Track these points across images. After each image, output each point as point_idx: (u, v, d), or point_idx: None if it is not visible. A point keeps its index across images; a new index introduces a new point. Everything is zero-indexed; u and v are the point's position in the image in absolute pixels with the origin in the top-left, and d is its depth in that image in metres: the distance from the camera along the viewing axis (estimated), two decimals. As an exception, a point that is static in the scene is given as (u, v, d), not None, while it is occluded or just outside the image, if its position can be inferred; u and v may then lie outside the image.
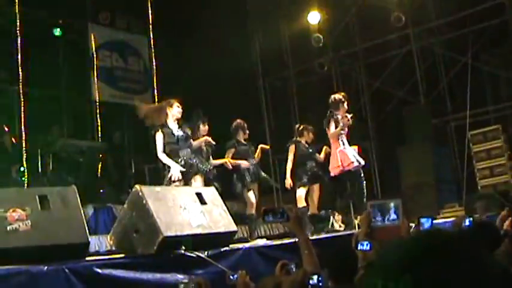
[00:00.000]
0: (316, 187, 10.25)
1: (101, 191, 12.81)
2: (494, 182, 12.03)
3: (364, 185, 9.74)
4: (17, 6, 12.83)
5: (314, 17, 14.69)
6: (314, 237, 8.08)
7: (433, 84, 14.01)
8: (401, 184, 13.19)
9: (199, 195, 6.72)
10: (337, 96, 9.99)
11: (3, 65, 13.33)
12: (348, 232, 8.66)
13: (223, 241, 6.55)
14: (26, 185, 11.25)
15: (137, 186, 6.20)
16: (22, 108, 12.57)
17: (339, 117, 9.69)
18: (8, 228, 5.22)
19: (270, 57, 15.87)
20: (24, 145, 12.02)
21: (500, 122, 12.63)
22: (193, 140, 8.82)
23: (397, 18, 13.34)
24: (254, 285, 3.89)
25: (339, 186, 10.70)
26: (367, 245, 3.79)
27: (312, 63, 15.10)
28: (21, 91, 12.62)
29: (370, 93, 14.60)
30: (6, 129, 12.50)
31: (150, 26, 15.66)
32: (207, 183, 8.45)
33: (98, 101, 14.63)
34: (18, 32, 12.81)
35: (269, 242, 7.83)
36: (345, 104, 9.82)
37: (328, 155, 10.10)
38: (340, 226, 11.19)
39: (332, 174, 9.89)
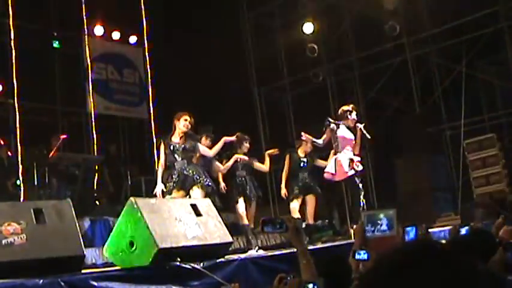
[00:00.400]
0: (311, 197, 10.31)
1: (97, 203, 12.80)
2: (490, 190, 12.03)
3: (360, 194, 9.73)
4: (11, 18, 12.83)
5: (309, 28, 14.73)
6: (309, 247, 8.07)
7: (428, 93, 14.03)
8: (397, 193, 13.20)
9: (194, 206, 6.72)
10: (344, 107, 10.05)
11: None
12: (344, 242, 8.66)
13: (219, 252, 6.54)
14: (22, 198, 11.23)
15: (132, 199, 6.21)
16: (17, 121, 12.56)
17: (334, 126, 9.70)
18: (3, 242, 5.21)
19: (266, 68, 15.90)
20: (19, 158, 12.00)
21: (495, 131, 12.65)
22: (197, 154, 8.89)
23: (392, 28, 13.38)
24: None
25: (334, 195, 10.74)
26: (364, 253, 3.78)
27: (307, 74, 15.13)
28: (16, 104, 12.61)
29: (365, 103, 14.62)
30: (1, 142, 12.48)
31: (145, 38, 15.68)
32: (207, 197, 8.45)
33: (93, 113, 14.63)
34: (12, 44, 12.81)
35: (265, 253, 7.82)
36: (353, 115, 9.84)
37: None
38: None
39: (325, 176, 9.94)
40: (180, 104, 10.35)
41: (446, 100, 13.88)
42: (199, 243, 6.32)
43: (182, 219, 6.37)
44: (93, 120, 14.60)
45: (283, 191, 10.45)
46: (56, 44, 14.42)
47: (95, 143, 14.45)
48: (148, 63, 15.83)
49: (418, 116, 13.87)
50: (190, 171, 8.49)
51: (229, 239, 6.89)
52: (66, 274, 5.18)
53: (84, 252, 5.86)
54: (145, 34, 15.61)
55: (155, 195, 8.50)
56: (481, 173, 12.25)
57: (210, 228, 6.63)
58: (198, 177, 8.47)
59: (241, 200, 9.78)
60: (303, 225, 10.11)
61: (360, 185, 9.63)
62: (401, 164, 13.40)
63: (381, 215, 3.99)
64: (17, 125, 12.48)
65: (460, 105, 12.87)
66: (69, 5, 14.46)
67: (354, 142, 9.75)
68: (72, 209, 5.89)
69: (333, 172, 9.66)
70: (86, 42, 14.92)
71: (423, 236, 4.79)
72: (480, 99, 13.82)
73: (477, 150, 12.36)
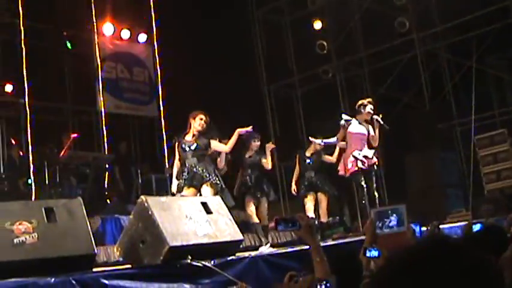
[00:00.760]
0: (322, 196, 10.41)
1: (108, 201, 12.84)
2: (501, 186, 11.99)
3: (366, 190, 9.79)
4: (21, 19, 12.89)
5: (318, 24, 14.72)
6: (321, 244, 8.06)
7: (438, 89, 13.97)
8: (407, 190, 13.15)
9: (204, 204, 6.73)
10: (360, 101, 10.15)
11: (10, 77, 13.40)
12: (355, 239, 8.65)
13: (229, 250, 6.55)
14: (33, 197, 11.28)
15: (142, 197, 6.23)
16: (28, 120, 12.61)
17: (344, 123, 9.79)
18: (15, 241, 5.24)
19: (275, 65, 15.90)
20: (31, 157, 12.06)
21: (506, 126, 12.59)
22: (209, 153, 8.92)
23: (401, 24, 13.35)
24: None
25: (344, 192, 10.80)
26: (375, 251, 3.77)
27: (316, 70, 15.11)
28: (27, 103, 12.67)
29: (375, 99, 14.54)
30: (13, 142, 12.55)
31: (155, 36, 15.70)
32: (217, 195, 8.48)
33: (103, 112, 14.66)
34: (23, 44, 12.87)
35: (276, 250, 7.82)
36: (367, 108, 9.89)
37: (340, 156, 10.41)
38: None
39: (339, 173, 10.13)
40: (190, 102, 10.38)
41: (456, 96, 13.82)
42: (209, 241, 6.32)
43: (192, 217, 6.38)
44: (103, 118, 14.64)
45: (293, 188, 10.93)
46: (68, 45, 14.46)
47: (105, 141, 14.49)
48: (158, 61, 15.86)
49: (428, 112, 13.82)
50: (200, 169, 8.52)
51: (239, 236, 6.89)
52: (77, 273, 5.21)
53: (95, 251, 5.88)
54: (154, 32, 15.64)
55: (173, 194, 8.65)
56: (492, 168, 12.21)
57: (221, 226, 6.63)
58: (207, 175, 8.49)
59: (248, 198, 9.87)
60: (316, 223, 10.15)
61: (363, 183, 9.70)
62: (411, 161, 13.36)
63: (391, 212, 3.99)
64: (28, 124, 12.54)
65: (470, 100, 12.81)
66: (78, 5, 14.50)
67: (367, 136, 9.81)
68: (83, 207, 5.92)
69: (342, 167, 9.80)
70: (96, 41, 14.96)
71: (435, 233, 4.78)
72: (490, 94, 13.75)
73: (488, 146, 12.32)
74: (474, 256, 1.36)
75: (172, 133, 11.07)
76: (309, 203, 10.46)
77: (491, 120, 13.18)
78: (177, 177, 8.80)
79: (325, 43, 14.63)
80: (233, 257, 6.39)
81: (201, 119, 8.68)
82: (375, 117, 9.85)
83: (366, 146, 9.84)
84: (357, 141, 9.85)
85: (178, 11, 15.01)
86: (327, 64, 15.00)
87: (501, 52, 13.62)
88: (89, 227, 5.91)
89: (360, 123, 9.86)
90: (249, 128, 9.14)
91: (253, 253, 7.05)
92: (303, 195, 10.64)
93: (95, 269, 5.76)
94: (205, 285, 5.81)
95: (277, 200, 11.07)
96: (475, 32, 13.02)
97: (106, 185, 13.50)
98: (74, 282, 4.97)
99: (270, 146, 10.11)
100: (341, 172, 9.98)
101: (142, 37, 16.06)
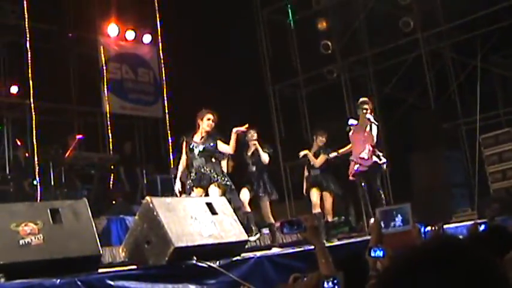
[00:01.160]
0: (326, 194, 10.38)
1: (113, 202, 12.87)
2: (507, 185, 11.97)
3: (364, 192, 9.87)
4: (26, 20, 12.92)
5: (323, 24, 14.72)
6: (326, 244, 8.06)
7: (443, 88, 13.94)
8: (412, 189, 13.13)
9: (209, 205, 6.73)
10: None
11: (15, 79, 13.45)
12: (360, 239, 8.65)
13: (234, 250, 6.55)
14: (38, 198, 11.31)
15: (148, 198, 6.25)
16: (34, 121, 12.65)
17: (348, 128, 9.88)
18: (21, 242, 5.25)
19: (280, 65, 15.90)
20: (36, 158, 12.09)
21: (511, 125, 12.56)
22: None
23: (406, 23, 13.34)
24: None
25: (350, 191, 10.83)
26: (379, 251, 3.77)
27: (321, 70, 15.10)
28: (32, 105, 12.70)
29: (380, 99, 14.57)
30: (19, 143, 12.59)
31: (159, 37, 15.73)
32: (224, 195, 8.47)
33: (108, 113, 14.70)
34: (28, 45, 12.90)
35: (281, 251, 7.82)
36: (361, 108, 9.94)
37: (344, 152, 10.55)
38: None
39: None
40: (194, 102, 10.36)
41: (461, 95, 13.78)
42: (215, 241, 6.32)
43: (198, 217, 6.38)
44: (108, 119, 14.67)
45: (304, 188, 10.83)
46: None
47: (111, 142, 14.52)
48: (162, 62, 15.89)
49: (433, 111, 13.79)
50: (208, 170, 8.50)
51: (244, 237, 6.90)
52: (83, 274, 5.22)
53: (101, 252, 5.89)
54: (159, 33, 15.67)
55: (179, 193, 8.66)
56: (497, 168, 12.19)
57: (226, 227, 6.64)
58: (215, 176, 8.48)
59: (244, 190, 9.84)
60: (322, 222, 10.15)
61: (363, 183, 9.78)
62: (417, 160, 13.32)
63: (396, 211, 3.99)
64: (34, 126, 12.58)
65: (475, 100, 12.79)
66: (83, 6, 14.53)
67: (366, 136, 9.85)
68: (89, 208, 5.93)
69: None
70: (101, 43, 15.00)
71: (439, 233, 4.78)
72: (496, 93, 13.71)
73: (493, 145, 12.30)
74: (478, 257, 1.36)
75: (177, 133, 11.09)
76: (315, 198, 10.39)
77: (497, 120, 13.16)
78: (180, 178, 8.78)
79: (329, 43, 14.63)
80: (238, 258, 6.40)
81: (209, 119, 8.64)
82: (367, 116, 9.86)
83: (368, 146, 9.85)
84: (357, 143, 9.98)
85: (183, 11, 15.03)
86: (331, 64, 14.98)
87: (506, 51, 13.58)
88: (95, 228, 5.93)
89: (359, 124, 9.93)
90: (245, 127, 8.94)
91: (258, 253, 7.05)
92: (307, 191, 10.62)
93: (100, 270, 5.77)
94: (211, 286, 5.82)
95: (278, 200, 11.00)
96: (480, 31, 13.00)
97: (111, 186, 13.53)
98: (79, 283, 4.98)
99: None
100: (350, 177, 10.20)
101: (146, 38, 16.09)
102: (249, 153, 10.20)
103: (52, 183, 11.66)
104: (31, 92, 12.74)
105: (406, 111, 14.26)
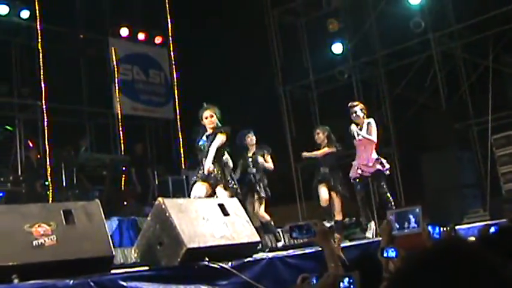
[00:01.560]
0: (334, 194, 10.39)
1: (125, 203, 12.90)
2: (519, 186, 11.92)
3: (370, 192, 9.90)
4: (38, 22, 12.98)
5: (334, 25, 14.71)
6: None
7: (454, 88, 13.89)
8: (424, 190, 13.09)
9: (221, 206, 6.74)
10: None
11: (27, 80, 13.51)
12: (372, 240, 8.64)
13: (246, 252, 6.56)
14: (50, 199, 11.36)
15: (160, 199, 6.26)
16: (46, 122, 12.70)
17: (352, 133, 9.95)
18: (34, 243, 5.27)
19: (291, 66, 15.90)
20: (48, 160, 12.14)
21: (523, 125, 12.51)
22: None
23: (417, 24, 13.31)
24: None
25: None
26: (392, 251, 3.78)
27: (332, 71, 15.09)
28: (44, 106, 12.76)
29: (391, 100, 14.53)
30: (31, 144, 12.64)
31: (170, 38, 15.77)
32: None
33: (119, 114, 14.75)
34: (40, 47, 12.96)
35: (293, 251, 7.81)
36: (355, 111, 10.00)
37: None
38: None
39: None
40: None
41: (473, 95, 13.73)
42: (227, 242, 6.33)
43: (210, 218, 6.39)
44: (119, 120, 14.72)
45: None
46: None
47: (122, 143, 14.56)
48: (173, 63, 15.92)
49: (444, 112, 13.74)
50: (215, 170, 8.48)
51: (256, 238, 6.91)
52: (95, 274, 5.23)
53: (113, 253, 5.90)
54: (170, 34, 15.70)
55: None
56: (509, 168, 12.11)
57: (238, 228, 6.64)
58: (220, 177, 8.46)
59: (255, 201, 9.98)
60: (332, 223, 10.15)
61: (358, 187, 9.83)
62: (428, 161, 13.27)
63: (407, 213, 3.99)
64: (45, 127, 12.63)
65: (487, 100, 12.73)
66: (94, 8, 14.59)
67: (365, 141, 9.88)
68: (101, 209, 5.95)
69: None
70: (112, 44, 15.05)
71: (451, 235, 4.77)
72: (507, 93, 13.64)
73: (505, 146, 12.22)
74: (488, 259, 1.37)
75: (188, 134, 11.12)
76: (323, 193, 10.40)
77: (508, 120, 13.07)
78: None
79: (340, 44, 14.63)
80: (251, 259, 6.41)
81: (206, 118, 8.64)
82: (365, 120, 9.95)
83: (372, 150, 9.90)
84: (359, 147, 10.01)
85: (194, 13, 15.06)
86: (342, 65, 14.97)
87: (518, 51, 13.53)
88: (107, 229, 5.95)
89: (359, 127, 10.00)
90: None
91: (270, 254, 7.06)
92: (315, 187, 10.63)
93: (113, 271, 5.78)
94: (223, 287, 5.83)
95: (289, 201, 11.00)
96: (492, 31, 12.94)
97: (123, 187, 13.57)
98: (92, 284, 4.99)
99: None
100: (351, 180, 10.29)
101: (157, 39, 16.13)
102: (249, 155, 10.28)
103: (64, 184, 11.71)
104: (43, 93, 12.80)
105: (418, 112, 14.22)
